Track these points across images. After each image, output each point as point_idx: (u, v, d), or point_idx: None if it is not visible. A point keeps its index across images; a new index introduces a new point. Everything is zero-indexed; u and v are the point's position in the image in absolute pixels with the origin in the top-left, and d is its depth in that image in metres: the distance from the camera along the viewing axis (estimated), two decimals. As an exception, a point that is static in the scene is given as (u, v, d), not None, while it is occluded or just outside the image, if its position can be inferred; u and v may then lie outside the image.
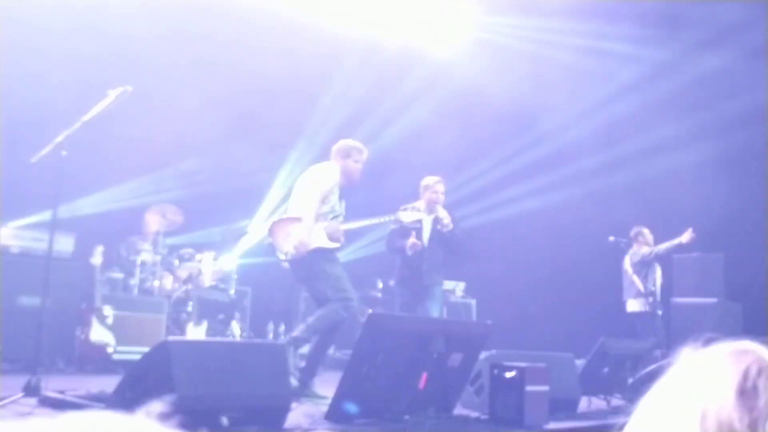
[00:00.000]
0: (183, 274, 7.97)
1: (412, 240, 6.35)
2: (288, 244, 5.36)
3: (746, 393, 0.72)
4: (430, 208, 6.45)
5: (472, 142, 10.46)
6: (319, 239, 5.36)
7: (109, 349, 6.76)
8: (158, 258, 8.01)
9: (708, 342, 0.84)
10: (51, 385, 4.53)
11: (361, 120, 9.73)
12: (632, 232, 8.51)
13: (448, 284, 9.46)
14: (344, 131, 8.92)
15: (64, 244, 6.89)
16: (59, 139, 4.64)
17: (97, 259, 6.85)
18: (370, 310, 6.83)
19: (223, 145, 9.10)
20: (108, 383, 4.66)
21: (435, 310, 6.47)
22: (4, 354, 6.17)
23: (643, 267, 8.35)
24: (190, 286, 7.69)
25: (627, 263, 8.47)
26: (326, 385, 5.40)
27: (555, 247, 9.98)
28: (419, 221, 6.27)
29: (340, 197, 5.61)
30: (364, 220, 5.68)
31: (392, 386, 4.34)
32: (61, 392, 4.42)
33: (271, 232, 5.56)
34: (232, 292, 8.25)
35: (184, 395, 3.44)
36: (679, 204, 9.08)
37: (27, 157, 4.79)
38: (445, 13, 10.04)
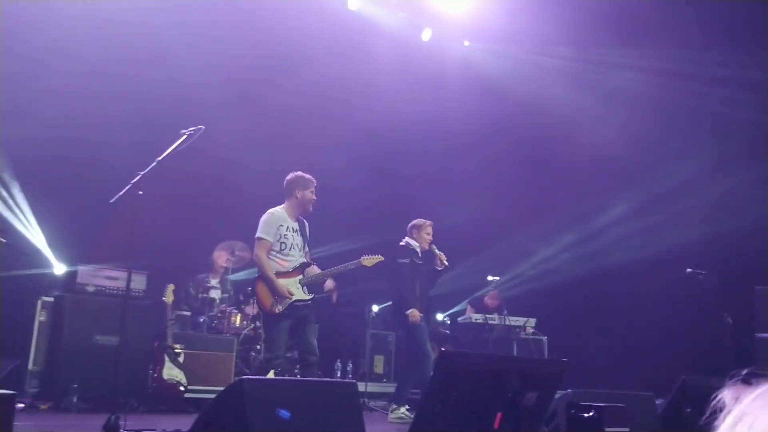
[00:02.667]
0: (251, 311, 8.02)
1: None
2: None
3: None
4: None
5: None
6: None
7: (181, 388, 6.80)
8: (226, 296, 8.09)
9: (747, 378, 0.74)
10: (128, 424, 4.60)
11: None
12: None
13: (519, 320, 9.24)
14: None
15: (137, 282, 7.02)
16: (136, 179, 4.76)
17: (169, 297, 6.94)
18: (443, 348, 6.71)
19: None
20: (182, 422, 4.71)
21: None
22: (78, 393, 6.28)
23: None
24: (258, 324, 7.72)
25: None
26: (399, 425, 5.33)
27: (628, 279, 9.66)
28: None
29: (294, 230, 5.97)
30: (330, 270, 6.19)
31: (466, 426, 4.23)
32: (139, 431, 4.47)
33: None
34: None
35: (258, 435, 3.42)
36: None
37: (105, 198, 4.92)
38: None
